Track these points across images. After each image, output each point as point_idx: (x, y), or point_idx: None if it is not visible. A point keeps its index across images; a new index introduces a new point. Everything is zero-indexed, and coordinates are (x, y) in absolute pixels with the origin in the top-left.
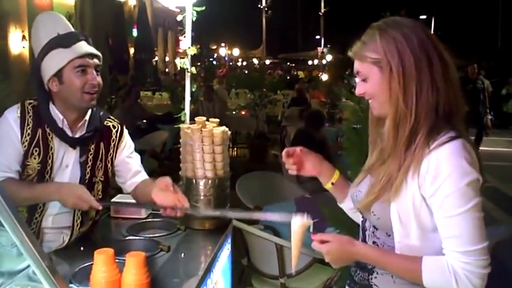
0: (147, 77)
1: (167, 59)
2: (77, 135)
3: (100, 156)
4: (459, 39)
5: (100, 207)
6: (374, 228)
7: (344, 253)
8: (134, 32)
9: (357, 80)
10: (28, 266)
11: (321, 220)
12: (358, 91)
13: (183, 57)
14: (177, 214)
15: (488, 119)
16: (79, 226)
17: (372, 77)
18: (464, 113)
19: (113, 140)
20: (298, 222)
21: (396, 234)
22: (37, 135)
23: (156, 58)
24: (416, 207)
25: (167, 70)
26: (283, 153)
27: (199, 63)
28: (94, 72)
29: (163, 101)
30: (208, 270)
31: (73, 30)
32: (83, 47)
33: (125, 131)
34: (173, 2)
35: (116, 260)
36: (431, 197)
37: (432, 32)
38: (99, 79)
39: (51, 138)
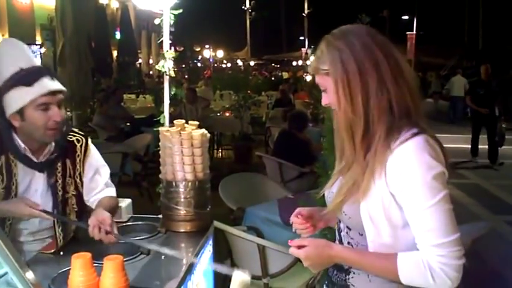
0: (131, 79)
1: (151, 61)
2: (43, 159)
3: (68, 173)
4: (441, 39)
5: (52, 219)
6: (347, 228)
7: (322, 257)
8: (118, 35)
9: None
10: (6, 273)
11: None
12: (323, 102)
13: (162, 59)
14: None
15: (503, 127)
16: (60, 227)
17: (328, 87)
18: (422, 110)
19: (79, 155)
20: (239, 278)
21: (369, 234)
22: (0, 163)
23: (140, 61)
24: (385, 205)
25: (151, 73)
26: (295, 220)
27: (183, 65)
28: (57, 108)
29: (146, 104)
30: (189, 271)
31: (35, 64)
32: (47, 84)
33: (90, 144)
34: (151, 6)
35: (95, 264)
36: (400, 193)
37: (414, 32)
38: (62, 114)
39: (15, 165)
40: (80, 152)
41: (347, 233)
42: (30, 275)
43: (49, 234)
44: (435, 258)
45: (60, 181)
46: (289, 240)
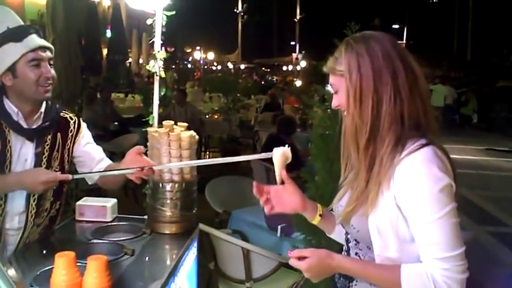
0: (120, 78)
1: (141, 61)
2: (34, 127)
3: (56, 147)
4: (430, 49)
5: (70, 177)
6: (355, 241)
7: (324, 268)
8: (108, 33)
9: (331, 91)
10: None
11: (289, 225)
12: (333, 104)
13: (153, 59)
14: (147, 173)
15: None
16: (32, 223)
17: (341, 89)
18: (435, 124)
19: (71, 130)
20: (279, 152)
21: (376, 247)
22: None
23: (130, 60)
24: (393, 218)
25: (141, 72)
26: (254, 188)
27: (173, 66)
28: (48, 65)
29: (135, 103)
30: (172, 274)
31: (22, 23)
32: (35, 40)
33: (83, 123)
34: (143, 6)
35: (79, 264)
36: (406, 205)
37: (404, 41)
38: (53, 72)
39: (8, 131)
40: (74, 128)
41: (355, 244)
42: (12, 272)
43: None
44: (439, 271)
45: (46, 154)
46: (289, 251)
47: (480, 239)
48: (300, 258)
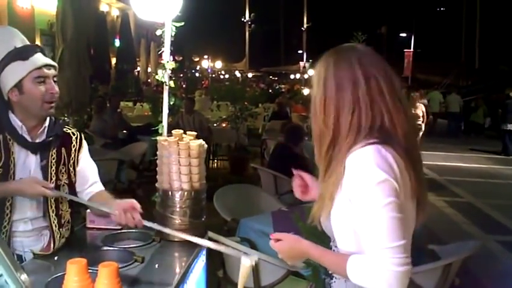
0: (128, 87)
1: (149, 69)
2: (38, 141)
3: (62, 161)
4: (438, 57)
5: (52, 194)
6: (332, 237)
7: (294, 250)
8: (117, 42)
9: None
10: (1, 275)
11: (297, 232)
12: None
13: (163, 69)
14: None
15: None
16: (57, 227)
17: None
18: (405, 128)
19: (74, 145)
20: (248, 263)
21: (339, 242)
22: None
23: (138, 69)
24: (348, 213)
25: (149, 81)
26: (296, 176)
27: (181, 75)
28: (52, 81)
29: (144, 112)
30: (182, 281)
31: (28, 43)
32: (41, 58)
33: (83, 139)
34: (152, 17)
35: (90, 271)
36: (351, 198)
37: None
38: (57, 88)
39: (12, 143)
40: (76, 143)
41: (332, 241)
42: (25, 278)
43: (43, 232)
44: (376, 261)
45: (54, 167)
46: (271, 234)
47: (488, 247)
48: (277, 241)
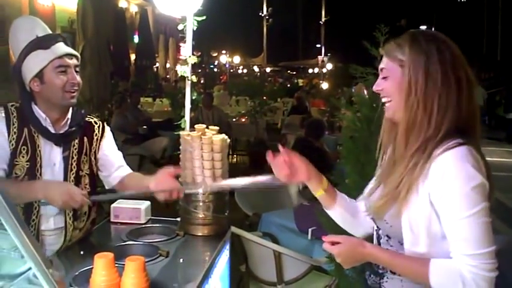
0: (148, 83)
1: (168, 65)
2: (61, 132)
3: (84, 151)
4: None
5: (89, 203)
6: (387, 236)
7: (355, 254)
8: (136, 39)
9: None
10: (28, 269)
11: (319, 227)
12: (376, 87)
13: (184, 65)
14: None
15: None
16: (72, 226)
17: (393, 77)
18: (479, 128)
19: (96, 134)
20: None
21: (406, 242)
22: (24, 134)
23: (157, 64)
24: (426, 215)
25: (168, 76)
26: (269, 155)
27: (199, 70)
28: (74, 71)
29: (163, 108)
30: (206, 276)
31: (50, 32)
32: (62, 47)
33: (107, 127)
34: (174, 12)
35: (116, 265)
36: (439, 201)
37: None
38: (78, 78)
39: (37, 136)
40: (98, 132)
41: (386, 240)
42: (54, 272)
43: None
44: (466, 267)
45: (76, 157)
46: (323, 236)
47: None
48: (334, 244)
